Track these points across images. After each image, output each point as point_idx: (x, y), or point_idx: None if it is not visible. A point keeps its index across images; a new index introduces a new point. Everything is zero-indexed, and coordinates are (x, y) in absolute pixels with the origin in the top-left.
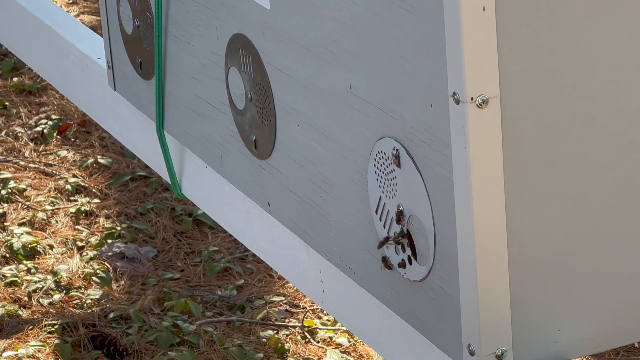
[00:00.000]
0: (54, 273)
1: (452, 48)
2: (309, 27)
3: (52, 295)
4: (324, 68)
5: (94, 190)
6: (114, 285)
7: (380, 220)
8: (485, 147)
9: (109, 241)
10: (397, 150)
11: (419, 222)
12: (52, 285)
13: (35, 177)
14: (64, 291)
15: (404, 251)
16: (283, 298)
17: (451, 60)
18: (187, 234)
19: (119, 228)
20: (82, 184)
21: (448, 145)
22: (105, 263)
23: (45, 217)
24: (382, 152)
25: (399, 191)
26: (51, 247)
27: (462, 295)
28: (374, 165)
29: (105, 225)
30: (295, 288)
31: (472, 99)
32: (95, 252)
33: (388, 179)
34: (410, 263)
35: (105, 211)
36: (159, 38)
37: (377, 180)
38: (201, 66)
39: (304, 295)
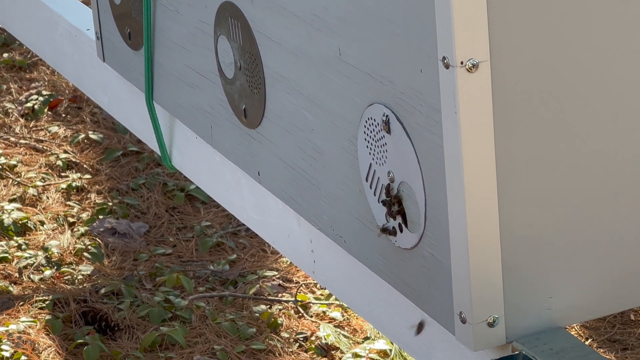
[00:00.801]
0: (45, 249)
1: (441, 11)
2: None
3: (43, 271)
4: (313, 35)
5: (85, 165)
6: (106, 261)
7: (371, 188)
8: (476, 111)
9: (101, 217)
10: (387, 116)
11: (409, 188)
12: (43, 261)
13: (25, 153)
14: (55, 267)
15: (394, 219)
16: (276, 273)
17: (440, 24)
18: (179, 209)
19: (110, 204)
20: (73, 159)
21: (438, 111)
22: (97, 239)
23: (36, 193)
24: (372, 119)
25: (389, 158)
26: (42, 223)
27: (453, 262)
28: (364, 132)
29: (97, 201)
30: (288, 262)
31: (462, 63)
32: (86, 228)
33: (378, 146)
34: (401, 230)
35: (97, 187)
36: (148, 7)
37: (367, 147)
38: (190, 35)
39: (297, 270)
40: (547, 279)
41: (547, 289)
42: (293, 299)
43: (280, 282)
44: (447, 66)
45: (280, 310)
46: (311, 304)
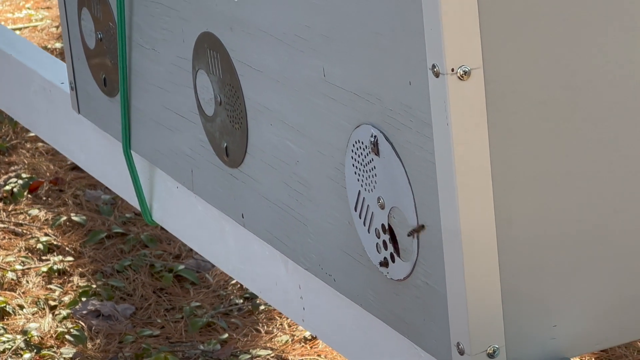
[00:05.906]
0: (24, 332)
1: (429, 15)
2: (279, 15)
3: (21, 355)
4: (296, 57)
5: (67, 248)
6: (89, 344)
7: (360, 217)
8: (469, 123)
9: (84, 299)
10: (375, 137)
11: (400, 214)
12: (22, 345)
13: (4, 237)
14: (35, 350)
15: (385, 248)
16: (270, 352)
17: (429, 29)
18: (168, 290)
19: (94, 286)
20: (55, 242)
21: (429, 125)
22: (80, 322)
23: (15, 277)
24: (359, 142)
25: (379, 183)
26: (21, 307)
27: (449, 290)
28: (352, 157)
29: (80, 283)
30: (283, 341)
31: (452, 70)
32: (68, 311)
33: (367, 171)
34: (393, 260)
35: (80, 270)
36: (123, 48)
37: (356, 173)
38: (168, 74)
39: (293, 349)
40: (550, 305)
41: (550, 317)
42: None
43: None
44: (437, 75)
45: None
46: None
